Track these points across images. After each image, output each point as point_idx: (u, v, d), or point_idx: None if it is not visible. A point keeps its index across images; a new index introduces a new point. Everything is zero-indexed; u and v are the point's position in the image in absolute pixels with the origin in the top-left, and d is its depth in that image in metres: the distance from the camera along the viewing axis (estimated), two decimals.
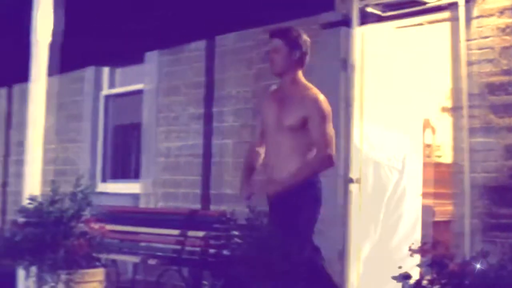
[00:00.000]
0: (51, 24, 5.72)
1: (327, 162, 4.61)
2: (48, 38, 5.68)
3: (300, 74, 4.78)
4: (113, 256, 7.02)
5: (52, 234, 5.03)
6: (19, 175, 5.70)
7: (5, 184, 11.18)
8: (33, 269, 5.12)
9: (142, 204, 8.71)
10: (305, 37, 4.79)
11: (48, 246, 5.04)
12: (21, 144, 5.93)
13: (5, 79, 10.60)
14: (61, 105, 9.75)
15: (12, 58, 6.86)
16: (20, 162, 5.80)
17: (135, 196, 8.90)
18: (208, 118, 7.97)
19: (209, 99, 8.04)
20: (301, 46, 4.75)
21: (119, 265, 7.50)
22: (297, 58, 4.73)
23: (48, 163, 5.91)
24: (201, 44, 8.10)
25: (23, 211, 5.19)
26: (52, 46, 5.64)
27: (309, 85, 4.77)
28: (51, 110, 5.87)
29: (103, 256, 5.72)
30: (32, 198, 5.20)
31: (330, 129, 4.61)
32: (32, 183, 5.48)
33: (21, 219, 5.19)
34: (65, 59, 5.87)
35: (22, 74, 5.89)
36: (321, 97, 4.66)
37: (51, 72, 5.70)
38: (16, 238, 5.10)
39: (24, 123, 5.66)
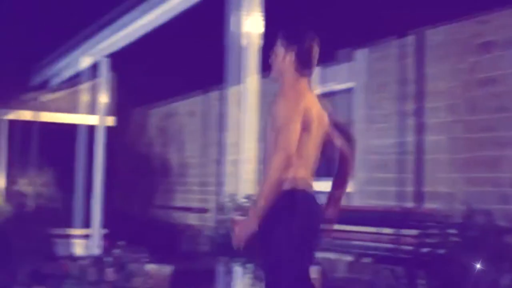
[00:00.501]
0: (261, 27, 5.84)
1: (276, 162, 3.75)
2: (259, 41, 5.80)
3: (298, 80, 4.04)
4: (326, 255, 7.05)
5: None
6: (235, 175, 5.85)
7: (220, 184, 11.58)
8: (250, 266, 5.24)
9: (354, 202, 8.68)
10: (310, 38, 4.06)
11: None
12: (235, 144, 6.09)
13: (218, 81, 10.99)
14: (262, 106, 9.94)
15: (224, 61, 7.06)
16: (235, 162, 5.95)
17: (347, 194, 8.88)
18: (419, 114, 7.81)
19: (419, 95, 7.88)
20: (300, 49, 4.03)
21: (333, 264, 7.53)
22: (293, 60, 4.02)
23: (261, 162, 6.02)
24: (410, 39, 7.96)
25: (239, 209, 5.32)
26: (263, 47, 5.76)
27: (288, 92, 4.00)
28: (262, 111, 5.99)
29: (317, 254, 5.75)
30: (248, 197, 5.33)
31: (281, 135, 3.79)
32: (247, 183, 5.62)
33: (237, 217, 5.32)
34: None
35: (235, 76, 6.05)
36: (277, 103, 3.92)
37: (263, 73, 5.82)
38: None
39: (238, 124, 5.82)
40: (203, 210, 11.70)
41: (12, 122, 14.42)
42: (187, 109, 13.45)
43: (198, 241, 11.15)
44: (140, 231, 10.49)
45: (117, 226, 8.86)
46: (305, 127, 3.88)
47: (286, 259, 3.81)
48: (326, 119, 4.14)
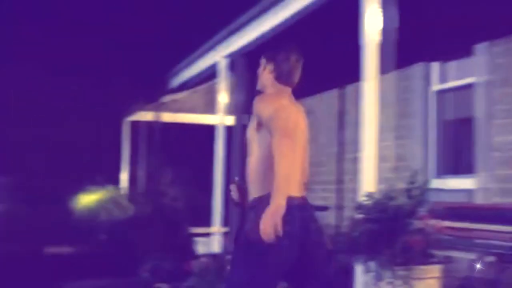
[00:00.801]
0: (380, 24, 5.83)
1: (284, 149, 3.87)
2: (378, 38, 5.79)
3: (279, 90, 4.23)
4: (449, 253, 6.95)
5: (389, 230, 5.11)
6: (355, 173, 5.85)
7: (341, 182, 11.59)
8: (371, 264, 5.24)
9: (477, 200, 8.52)
10: (287, 52, 4.27)
11: (385, 242, 5.13)
12: (355, 142, 6.09)
13: (337, 80, 11.01)
14: (391, 103, 9.87)
15: (343, 59, 7.07)
16: (355, 160, 5.96)
17: (469, 192, 8.73)
18: None
19: None
20: (276, 60, 4.26)
21: (456, 262, 7.40)
22: (272, 72, 4.26)
23: (382, 160, 6.00)
24: None
25: (360, 207, 5.33)
26: (383, 44, 5.74)
27: (271, 96, 4.20)
28: (382, 108, 5.97)
29: (439, 252, 5.69)
30: (369, 195, 5.33)
31: (275, 124, 3.91)
32: (368, 180, 5.62)
33: (358, 215, 5.34)
34: (396, 56, 5.93)
35: (353, 74, 6.06)
36: (259, 101, 4.07)
37: (382, 70, 5.80)
38: (354, 233, 5.26)
39: (358, 122, 5.83)
40: (324, 209, 11.72)
41: (144, 123, 14.92)
42: (305, 107, 13.50)
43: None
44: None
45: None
46: None
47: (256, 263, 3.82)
48: (306, 129, 4.30)
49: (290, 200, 3.79)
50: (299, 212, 3.96)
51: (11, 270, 10.29)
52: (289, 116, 3.97)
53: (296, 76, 4.28)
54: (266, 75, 4.29)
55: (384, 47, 5.79)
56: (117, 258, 9.91)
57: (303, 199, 4.06)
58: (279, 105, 3.98)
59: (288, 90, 4.27)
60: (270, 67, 4.27)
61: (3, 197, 13.68)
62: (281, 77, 4.24)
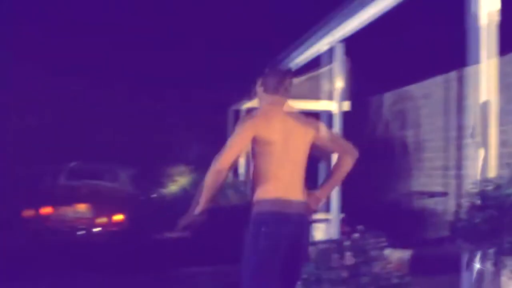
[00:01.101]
0: (498, 3, 5.64)
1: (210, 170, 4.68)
2: (496, 18, 5.61)
3: (271, 103, 4.92)
4: None
5: (510, 217, 4.97)
6: (474, 158, 5.71)
7: (460, 167, 11.34)
8: (491, 251, 5.10)
9: None
10: (275, 69, 5.13)
11: (506, 229, 4.99)
12: (474, 127, 5.93)
13: (456, 61, 10.76)
14: (508, 85, 9.57)
15: (462, 40, 6.88)
16: (474, 146, 5.80)
17: None
18: None
19: None
20: (265, 75, 4.99)
21: None
22: (261, 85, 5.01)
23: (501, 145, 5.82)
24: None
25: (480, 194, 5.20)
26: (500, 24, 5.58)
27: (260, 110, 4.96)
28: (500, 91, 5.79)
29: None
30: (489, 181, 5.19)
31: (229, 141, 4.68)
32: (488, 166, 5.47)
33: (477, 202, 5.20)
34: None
35: (474, 55, 5.89)
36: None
37: (500, 51, 5.63)
38: (473, 220, 5.13)
39: (477, 105, 5.68)
40: (442, 194, 11.52)
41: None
42: (422, 91, 13.28)
43: (438, 226, 10.99)
44: (378, 216, 10.56)
45: (356, 211, 8.95)
46: (267, 147, 4.63)
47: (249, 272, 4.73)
48: (304, 135, 4.85)
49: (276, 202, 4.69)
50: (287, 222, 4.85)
51: (137, 254, 10.66)
52: (238, 144, 4.70)
53: (285, 87, 4.89)
54: (258, 90, 5.01)
55: (501, 27, 5.61)
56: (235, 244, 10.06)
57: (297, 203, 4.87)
58: (242, 130, 4.69)
59: (279, 100, 4.89)
60: (260, 82, 5.01)
61: (130, 186, 14.28)
62: (269, 89, 4.91)
